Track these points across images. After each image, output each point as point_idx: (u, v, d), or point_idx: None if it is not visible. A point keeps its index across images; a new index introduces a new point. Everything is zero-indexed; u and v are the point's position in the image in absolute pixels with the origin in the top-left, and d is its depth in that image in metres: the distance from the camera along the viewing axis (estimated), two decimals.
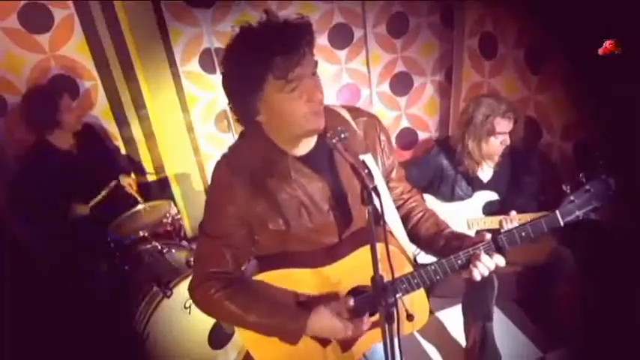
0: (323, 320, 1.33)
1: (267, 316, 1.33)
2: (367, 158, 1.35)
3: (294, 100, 1.16)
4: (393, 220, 1.42)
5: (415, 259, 1.51)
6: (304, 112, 1.17)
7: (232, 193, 1.29)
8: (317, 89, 1.16)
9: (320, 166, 1.32)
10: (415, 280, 1.33)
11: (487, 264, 1.26)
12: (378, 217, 1.30)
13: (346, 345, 1.48)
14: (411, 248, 1.47)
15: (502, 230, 2.30)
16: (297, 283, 1.39)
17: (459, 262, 1.29)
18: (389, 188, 1.47)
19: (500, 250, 1.29)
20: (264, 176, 1.29)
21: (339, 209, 1.36)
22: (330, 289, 1.39)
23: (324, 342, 1.46)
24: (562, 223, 1.31)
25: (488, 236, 1.30)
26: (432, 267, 1.31)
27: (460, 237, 1.39)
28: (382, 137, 1.43)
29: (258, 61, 1.12)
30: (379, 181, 1.37)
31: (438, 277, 1.32)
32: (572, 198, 1.31)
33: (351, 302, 1.35)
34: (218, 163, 1.34)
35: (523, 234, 1.30)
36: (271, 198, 1.30)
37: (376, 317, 1.43)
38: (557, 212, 1.30)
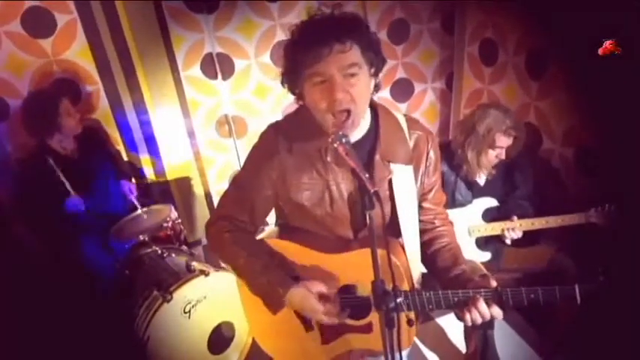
0: (304, 295, 1.35)
1: (260, 272, 1.39)
2: (406, 169, 1.37)
3: (317, 94, 1.20)
4: (409, 236, 1.42)
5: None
6: (323, 108, 1.21)
7: (270, 156, 1.37)
8: (338, 89, 1.17)
9: (340, 157, 1.31)
10: (407, 301, 1.31)
11: (482, 312, 1.22)
12: (391, 228, 1.34)
13: (327, 338, 1.50)
14: (418, 269, 1.47)
15: (506, 236, 2.31)
16: (302, 259, 1.44)
17: (455, 299, 1.26)
18: (421, 207, 1.47)
19: (501, 303, 1.23)
20: (303, 150, 1.35)
21: (359, 205, 1.38)
22: (329, 277, 1.41)
23: (307, 326, 1.50)
24: (579, 301, 1.19)
25: (494, 284, 1.26)
26: (427, 295, 1.29)
27: (469, 278, 1.36)
28: (431, 155, 1.44)
29: (293, 51, 1.21)
30: (410, 195, 1.39)
31: (430, 307, 1.30)
32: (600, 278, 1.19)
33: (336, 291, 1.38)
34: (269, 126, 1.43)
35: (532, 296, 1.21)
36: (302, 171, 1.36)
37: (364, 321, 1.44)
38: (576, 288, 1.19)
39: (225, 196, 1.51)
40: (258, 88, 3.36)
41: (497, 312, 1.23)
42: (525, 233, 2.33)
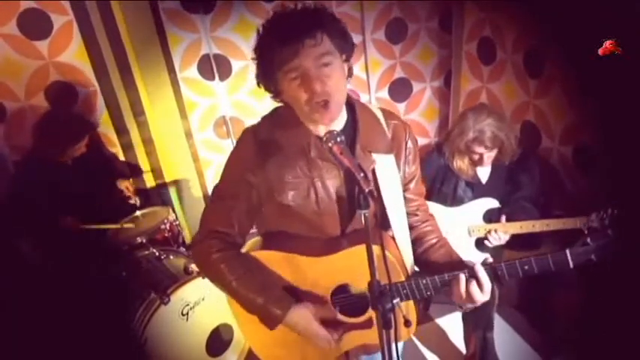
0: (302, 319, 1.34)
1: (254, 292, 1.35)
2: (388, 159, 1.37)
3: (296, 88, 1.20)
4: (397, 226, 1.41)
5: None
6: (304, 100, 1.20)
7: (249, 160, 1.33)
8: (317, 81, 1.17)
9: (335, 156, 1.29)
10: (405, 291, 1.30)
11: (463, 289, 1.22)
12: (379, 220, 1.32)
13: (331, 333, 1.48)
14: (411, 258, 1.45)
15: (489, 239, 2.30)
16: (291, 267, 1.40)
17: (451, 278, 1.26)
18: (404, 198, 1.46)
19: (497, 278, 1.23)
20: (284, 149, 1.33)
21: (346, 200, 1.36)
22: (321, 280, 1.39)
23: None
24: (571, 265, 1.18)
25: (489, 260, 1.25)
26: (424, 281, 1.29)
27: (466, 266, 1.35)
28: (409, 145, 1.43)
29: (264, 51, 1.21)
30: (394, 184, 1.38)
31: (428, 293, 1.30)
32: (588, 240, 1.17)
33: (338, 314, 1.36)
34: (246, 129, 1.40)
35: (526, 267, 1.21)
36: (286, 171, 1.33)
37: (363, 318, 1.43)
38: (568, 252, 1.18)
39: (208, 210, 1.44)
40: (255, 88, 3.31)
41: (486, 284, 1.22)
42: (527, 235, 2.31)
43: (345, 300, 1.40)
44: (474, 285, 1.21)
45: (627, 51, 1.89)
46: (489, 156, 2.35)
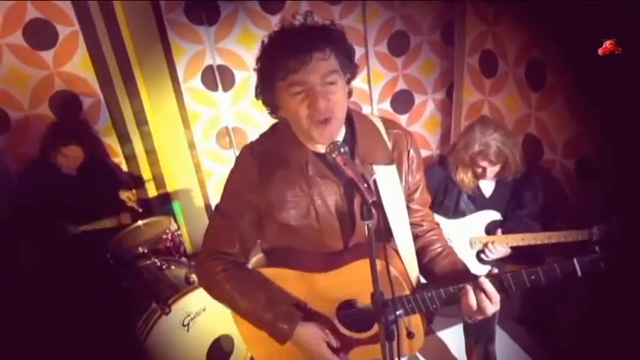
0: (311, 338, 1.33)
1: (262, 309, 1.34)
2: (389, 170, 1.35)
3: (297, 103, 1.18)
4: (401, 238, 1.39)
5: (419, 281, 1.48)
6: (305, 116, 1.19)
7: (249, 178, 1.33)
8: (320, 98, 1.16)
9: (338, 167, 1.28)
10: (410, 305, 1.29)
11: (472, 302, 1.19)
12: (382, 232, 1.30)
13: (337, 355, 1.46)
14: (415, 271, 1.44)
15: (485, 253, 2.29)
16: (295, 284, 1.39)
17: (458, 292, 1.24)
18: (408, 209, 1.44)
19: (504, 289, 1.21)
20: (283, 167, 1.32)
21: (347, 215, 1.35)
22: (326, 296, 1.38)
23: None
24: (580, 274, 1.14)
25: (495, 271, 1.25)
26: (430, 294, 1.27)
27: (475, 276, 1.32)
28: (411, 154, 1.41)
29: (267, 62, 1.20)
30: (396, 195, 1.36)
31: (434, 306, 1.28)
32: (596, 248, 1.13)
33: (344, 329, 1.35)
34: (244, 148, 1.39)
35: (533, 277, 1.18)
36: (284, 189, 1.32)
37: (370, 333, 1.41)
38: (575, 261, 1.13)
39: (210, 228, 1.44)
40: None
41: (493, 294, 1.19)
42: (530, 250, 2.30)
43: (352, 315, 1.38)
44: (482, 297, 1.19)
45: (627, 51, 1.89)
46: (492, 170, 2.35)
